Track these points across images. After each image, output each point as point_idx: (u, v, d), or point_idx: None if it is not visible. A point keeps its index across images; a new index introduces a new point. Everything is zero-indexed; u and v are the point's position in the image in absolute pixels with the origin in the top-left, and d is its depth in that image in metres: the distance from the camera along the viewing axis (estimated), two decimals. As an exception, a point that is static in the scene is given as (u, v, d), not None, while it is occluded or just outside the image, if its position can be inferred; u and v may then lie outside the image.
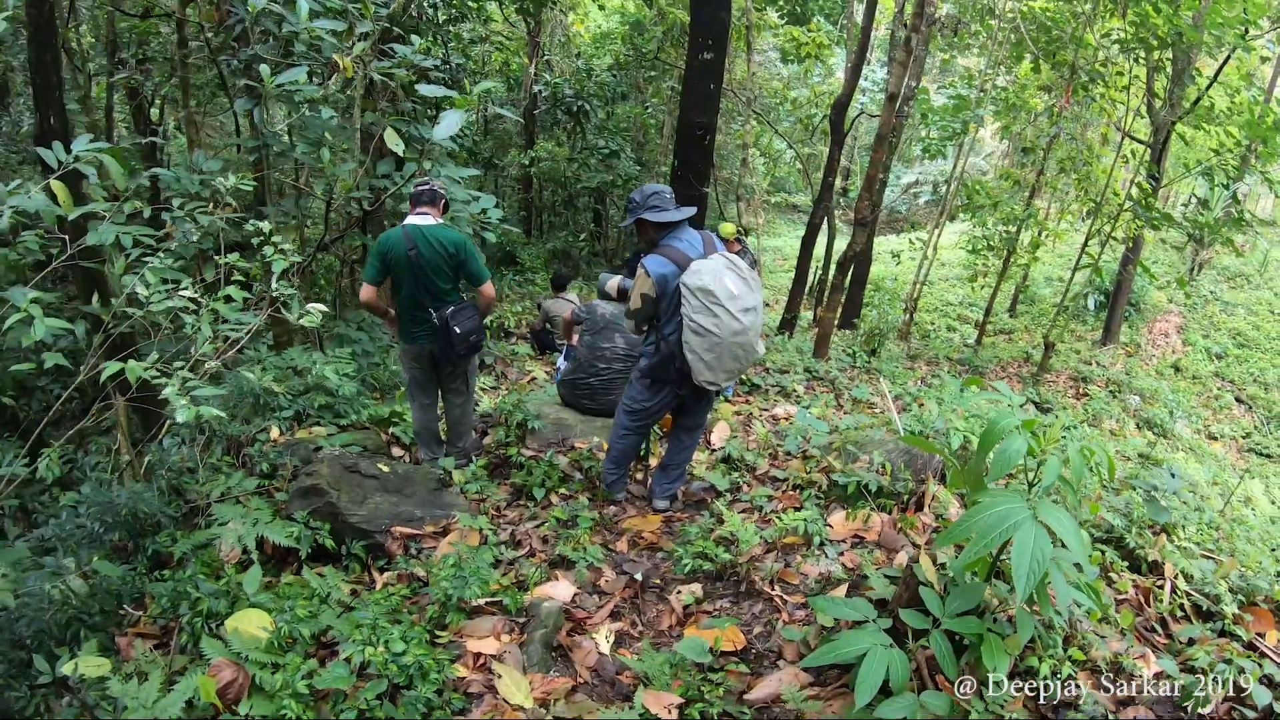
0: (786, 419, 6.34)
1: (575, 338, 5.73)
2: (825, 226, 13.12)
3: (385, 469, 4.16)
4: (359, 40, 5.03)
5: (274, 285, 3.97)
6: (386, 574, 3.85)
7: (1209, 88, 10.89)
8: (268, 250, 3.87)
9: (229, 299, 3.61)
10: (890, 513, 4.31)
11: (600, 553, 3.96)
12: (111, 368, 3.08)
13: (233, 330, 3.50)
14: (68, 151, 3.39)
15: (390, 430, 5.37)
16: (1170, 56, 11.10)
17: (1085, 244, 12.80)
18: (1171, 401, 13.59)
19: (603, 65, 13.89)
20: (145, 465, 4.28)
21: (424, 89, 5.02)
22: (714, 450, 5.42)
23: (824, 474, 4.67)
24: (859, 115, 12.74)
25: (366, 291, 4.53)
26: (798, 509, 4.41)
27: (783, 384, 7.49)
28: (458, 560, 3.48)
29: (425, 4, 9.64)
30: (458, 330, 4.55)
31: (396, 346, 4.79)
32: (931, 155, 15.29)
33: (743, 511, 4.44)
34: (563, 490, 4.73)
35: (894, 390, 8.74)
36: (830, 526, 4.14)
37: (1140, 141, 12.57)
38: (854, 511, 4.22)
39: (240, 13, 5.26)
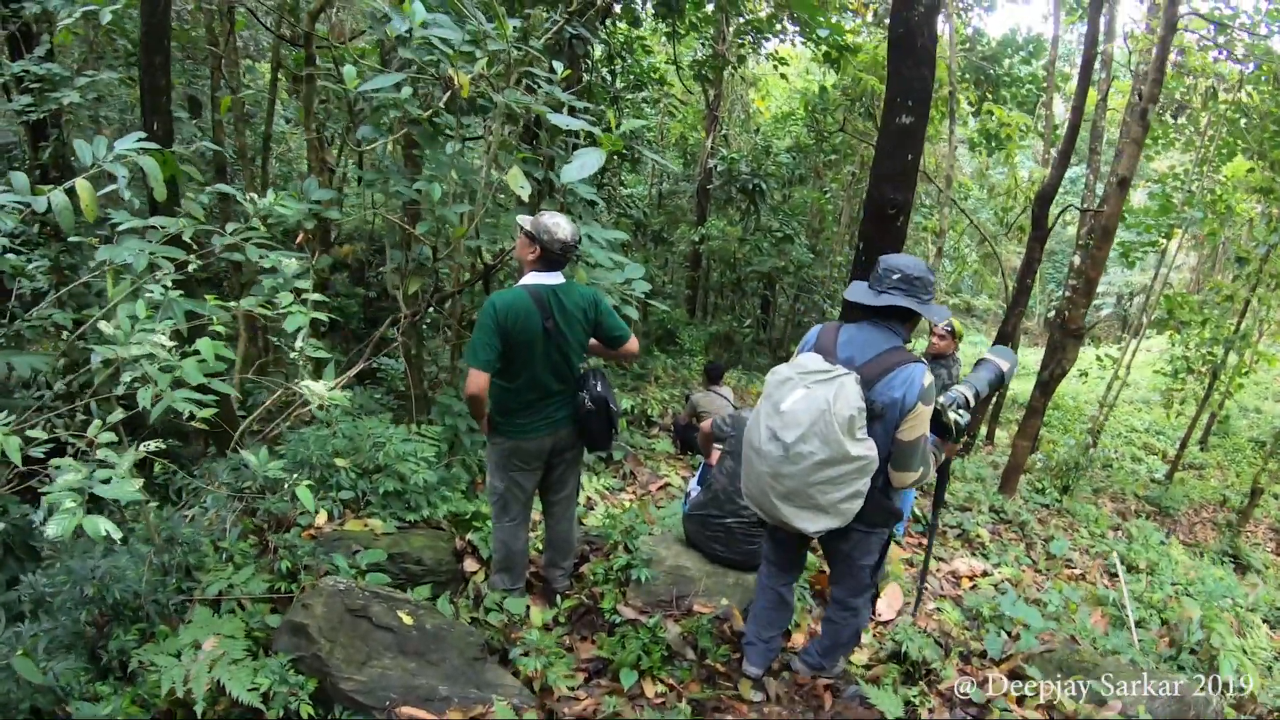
0: (970, 580, 4.44)
1: (715, 456, 3.90)
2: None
3: (409, 621, 2.69)
4: (482, 58, 3.74)
5: (299, 345, 2.65)
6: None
7: None
8: (284, 298, 2.53)
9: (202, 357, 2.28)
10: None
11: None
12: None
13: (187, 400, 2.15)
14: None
15: (468, 537, 3.92)
16: None
17: (1305, 374, 10.13)
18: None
19: (782, 145, 12.32)
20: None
21: (556, 119, 3.67)
22: (881, 623, 3.61)
23: (1044, 715, 2.80)
24: (1064, 210, 10.53)
25: (478, 381, 2.96)
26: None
27: (964, 525, 5.49)
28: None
29: (604, 71, 8.55)
30: (614, 407, 3.19)
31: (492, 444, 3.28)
32: (1130, 263, 12.80)
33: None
34: (665, 675, 3.04)
35: (1086, 539, 6.55)
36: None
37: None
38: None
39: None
